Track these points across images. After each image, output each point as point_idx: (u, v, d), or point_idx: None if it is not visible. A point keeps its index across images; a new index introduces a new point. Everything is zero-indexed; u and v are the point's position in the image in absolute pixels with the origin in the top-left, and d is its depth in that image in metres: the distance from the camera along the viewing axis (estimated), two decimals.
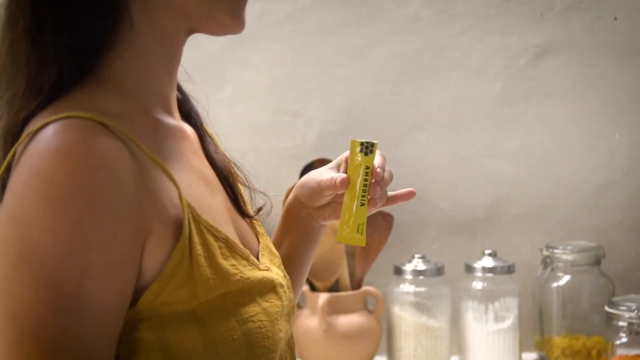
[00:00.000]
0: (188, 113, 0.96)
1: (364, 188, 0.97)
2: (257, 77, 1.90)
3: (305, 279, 1.11)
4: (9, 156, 0.75)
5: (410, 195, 1.04)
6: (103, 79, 0.80)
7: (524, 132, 1.94)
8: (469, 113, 1.93)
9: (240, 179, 0.98)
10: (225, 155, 0.98)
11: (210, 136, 0.98)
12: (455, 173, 1.94)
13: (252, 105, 1.91)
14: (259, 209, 0.99)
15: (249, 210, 0.97)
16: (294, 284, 1.03)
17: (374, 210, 1.00)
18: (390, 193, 1.03)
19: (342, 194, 0.98)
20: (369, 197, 0.97)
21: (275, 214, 1.05)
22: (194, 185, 0.83)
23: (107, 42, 0.80)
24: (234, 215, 0.92)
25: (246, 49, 1.86)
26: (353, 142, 0.98)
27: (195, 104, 1.00)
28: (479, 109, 1.93)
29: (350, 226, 0.97)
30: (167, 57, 0.86)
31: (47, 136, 0.72)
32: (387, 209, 1.79)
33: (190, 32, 0.86)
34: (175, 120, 0.88)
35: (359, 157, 0.97)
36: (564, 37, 1.91)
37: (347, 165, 0.99)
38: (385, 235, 1.83)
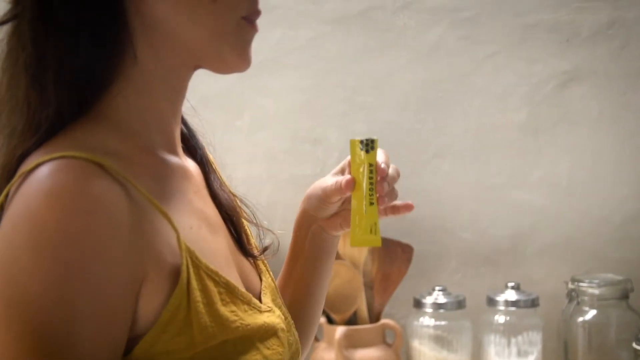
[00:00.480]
0: (193, 148, 0.95)
1: (371, 186, 0.94)
2: (276, 103, 1.89)
3: (321, 305, 1.08)
4: (2, 196, 0.74)
5: (408, 208, 1.01)
6: (103, 115, 0.79)
7: (549, 161, 1.90)
8: (492, 141, 1.90)
9: (245, 216, 0.96)
10: (230, 191, 0.96)
11: (216, 172, 0.96)
12: (478, 202, 1.91)
13: (271, 132, 1.89)
14: (265, 249, 0.96)
15: (254, 248, 0.95)
16: (311, 311, 1.01)
17: (385, 211, 0.98)
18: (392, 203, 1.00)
19: (350, 200, 0.96)
20: (377, 195, 0.94)
21: (284, 252, 1.03)
22: (194, 228, 0.81)
23: (109, 79, 0.79)
24: (236, 255, 0.90)
25: (266, 76, 1.85)
26: (352, 142, 0.96)
27: (200, 139, 0.98)
28: (503, 137, 1.90)
29: (363, 228, 0.95)
30: (171, 93, 0.84)
31: (39, 177, 0.70)
32: (406, 238, 1.78)
33: (196, 67, 0.85)
34: (178, 158, 0.86)
35: (361, 156, 0.95)
36: (591, 64, 1.88)
37: (350, 168, 0.97)
38: (404, 266, 1.79)
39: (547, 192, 1.90)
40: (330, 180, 0.98)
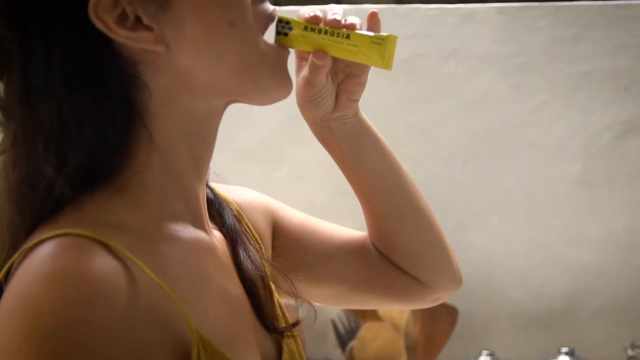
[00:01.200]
0: (218, 214, 0.88)
1: (328, 34, 0.83)
2: (316, 155, 1.82)
3: (404, 187, 0.97)
4: (2, 272, 0.70)
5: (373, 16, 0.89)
6: (119, 183, 0.75)
7: (607, 217, 1.83)
8: (545, 195, 1.84)
9: (279, 288, 0.89)
10: (264, 261, 0.89)
11: (248, 237, 0.90)
12: (530, 260, 1.84)
13: (311, 184, 1.84)
14: (294, 324, 0.88)
15: (281, 323, 0.88)
16: (400, 199, 0.94)
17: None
18: None
19: (337, 66, 0.87)
20: (345, 27, 0.83)
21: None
22: (211, 311, 0.76)
23: (123, 144, 0.75)
24: (260, 334, 0.83)
25: (305, 126, 1.79)
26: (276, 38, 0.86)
27: (233, 201, 0.91)
28: (557, 191, 1.83)
29: (374, 53, 0.83)
30: (195, 151, 0.79)
31: (39, 258, 0.66)
32: (452, 298, 1.70)
33: (227, 105, 0.80)
34: (200, 230, 0.81)
35: (289, 37, 0.84)
36: None
37: (301, 57, 0.87)
38: (449, 329, 1.72)
39: (604, 250, 1.82)
40: (298, 77, 0.88)
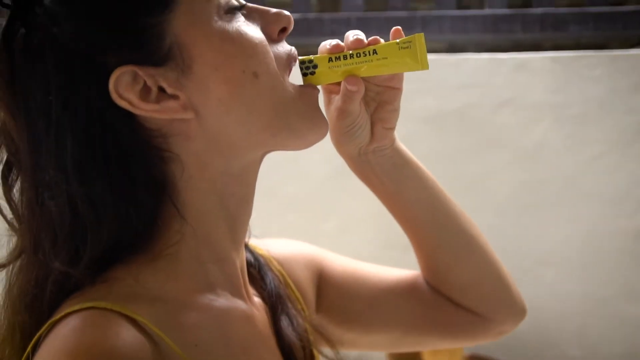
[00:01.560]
0: (259, 276, 0.85)
1: (354, 57, 0.80)
2: (364, 206, 1.80)
3: (452, 217, 0.93)
4: (30, 347, 0.68)
5: (397, 32, 0.84)
6: (149, 253, 0.73)
7: None
8: (602, 249, 1.77)
9: (324, 353, 0.86)
10: (307, 324, 0.86)
11: (290, 298, 0.87)
12: (587, 316, 1.77)
13: (359, 237, 1.80)
14: None
15: None
16: (449, 230, 0.89)
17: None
18: None
19: (367, 95, 0.83)
20: (365, 44, 0.81)
21: None
22: None
23: (151, 227, 0.73)
24: None
25: (353, 176, 1.77)
26: (299, 61, 0.82)
27: (266, 265, 0.88)
28: (615, 244, 1.77)
29: (407, 58, 0.80)
30: (231, 215, 0.77)
31: (65, 332, 0.65)
32: (505, 355, 1.64)
33: (264, 156, 0.77)
34: (235, 297, 0.78)
35: (331, 72, 0.81)
36: None
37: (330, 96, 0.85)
38: None
39: None
40: (332, 115, 0.85)
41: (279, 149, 0.77)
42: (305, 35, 2.06)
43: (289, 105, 0.75)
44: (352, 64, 0.81)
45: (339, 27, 2.04)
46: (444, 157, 1.79)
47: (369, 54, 0.80)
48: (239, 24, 0.75)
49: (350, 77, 0.80)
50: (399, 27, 0.82)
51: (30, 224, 0.71)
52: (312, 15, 2.07)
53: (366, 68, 0.80)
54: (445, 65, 1.81)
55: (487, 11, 2.03)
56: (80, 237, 0.70)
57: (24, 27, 0.71)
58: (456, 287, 0.93)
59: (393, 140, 0.89)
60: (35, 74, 0.70)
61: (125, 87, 0.70)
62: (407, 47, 0.80)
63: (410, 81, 1.80)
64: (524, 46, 2.26)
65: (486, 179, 1.79)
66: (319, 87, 0.82)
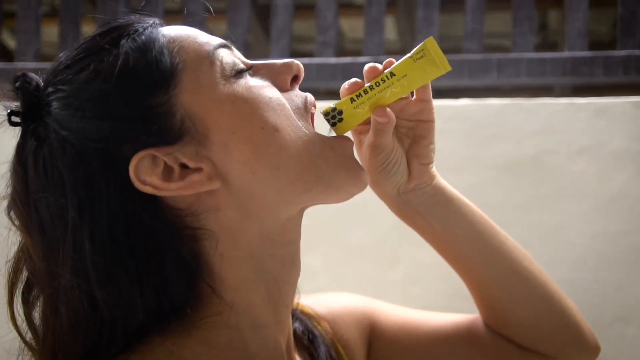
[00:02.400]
0: (311, 343, 0.83)
1: (374, 88, 0.79)
2: (433, 256, 1.75)
3: (504, 255, 0.90)
4: None
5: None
6: (186, 322, 0.71)
7: None
8: None
9: None
10: None
11: None
12: None
13: (427, 287, 1.76)
14: None
15: None
16: (498, 271, 0.87)
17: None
18: None
19: (400, 131, 0.81)
20: (380, 70, 0.79)
21: None
22: None
23: (186, 302, 0.72)
24: None
25: None
26: (323, 113, 0.81)
27: (316, 332, 0.86)
28: None
29: (427, 68, 0.79)
30: (273, 278, 0.75)
31: None
32: None
33: (302, 212, 0.75)
34: None
35: (350, 111, 0.79)
36: None
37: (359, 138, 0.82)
38: None
39: None
40: (365, 154, 0.83)
41: (317, 203, 0.75)
42: None
43: (317, 154, 0.72)
44: (375, 94, 0.79)
45: None
46: (518, 206, 1.74)
47: (388, 78, 0.78)
48: (247, 82, 0.73)
49: (377, 108, 0.79)
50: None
51: (45, 336, 0.70)
52: (383, 58, 2.06)
53: (390, 94, 0.78)
54: (521, 110, 1.76)
55: (566, 54, 1.99)
56: (107, 331, 0.68)
57: (35, 140, 0.71)
58: (517, 327, 0.89)
59: (433, 177, 0.86)
60: (48, 183, 0.69)
61: (146, 172, 0.69)
62: (423, 57, 0.78)
63: (483, 126, 1.78)
64: (605, 91, 2.20)
65: (563, 230, 1.72)
66: (350, 134, 0.81)
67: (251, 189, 0.71)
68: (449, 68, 0.79)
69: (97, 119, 0.70)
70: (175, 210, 0.71)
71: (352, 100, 0.79)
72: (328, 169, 0.73)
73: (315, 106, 0.78)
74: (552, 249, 1.72)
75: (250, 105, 0.71)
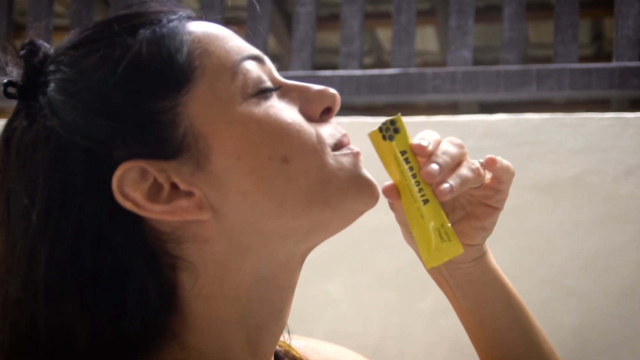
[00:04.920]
0: None
1: (415, 180, 0.71)
2: None
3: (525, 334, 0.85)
4: None
5: (493, 163, 0.77)
6: (153, 357, 0.66)
7: None
8: None
9: None
10: None
11: None
12: None
13: (457, 318, 1.70)
14: None
15: None
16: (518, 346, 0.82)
17: (452, 195, 0.72)
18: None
19: (457, 201, 0.77)
20: (430, 185, 0.71)
21: None
22: None
23: (152, 337, 0.67)
24: None
25: None
26: (372, 136, 0.74)
27: None
28: None
29: (428, 239, 0.72)
30: (256, 322, 0.71)
31: None
32: None
33: (308, 251, 0.71)
34: None
35: (388, 147, 0.73)
36: None
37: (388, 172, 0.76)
38: None
39: None
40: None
41: (323, 239, 0.70)
42: (405, 92, 2.02)
43: (330, 181, 0.67)
44: (408, 181, 0.73)
45: (443, 84, 1.97)
46: (560, 231, 1.68)
47: (424, 200, 0.73)
48: (268, 104, 0.68)
49: (391, 185, 0.74)
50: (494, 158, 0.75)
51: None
52: (413, 70, 2.02)
53: (406, 203, 0.73)
54: (562, 126, 1.70)
55: (614, 64, 1.93)
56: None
57: (26, 120, 0.66)
58: None
59: (475, 256, 0.81)
60: (23, 174, 0.64)
61: (131, 185, 0.64)
62: (445, 239, 0.73)
63: (520, 144, 1.72)
64: None
65: (608, 258, 1.66)
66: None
67: (246, 225, 0.66)
68: (462, 250, 0.74)
69: (91, 112, 0.65)
70: (157, 232, 0.66)
71: (403, 151, 0.74)
72: (338, 192, 0.68)
73: (346, 145, 0.73)
74: (596, 279, 1.66)
75: (263, 131, 0.66)
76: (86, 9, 2.23)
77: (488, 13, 3.54)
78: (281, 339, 0.76)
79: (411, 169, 0.73)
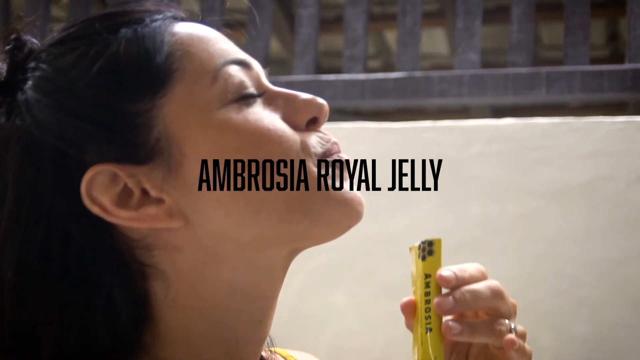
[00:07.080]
0: None
1: (427, 306, 0.71)
2: None
3: None
4: None
5: (510, 344, 0.73)
6: None
7: None
8: None
9: None
10: None
11: None
12: None
13: None
14: None
15: None
16: None
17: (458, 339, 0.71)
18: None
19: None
20: (439, 318, 0.70)
21: None
22: None
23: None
24: None
25: (462, 260, 1.68)
26: (412, 250, 0.75)
27: None
28: None
29: None
30: (233, 334, 0.70)
31: None
32: None
33: (292, 257, 0.71)
34: None
35: (418, 266, 0.73)
36: None
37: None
38: None
39: None
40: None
41: (306, 247, 0.70)
42: (411, 96, 2.01)
43: (305, 196, 0.68)
44: (422, 304, 0.73)
45: (450, 88, 1.98)
46: (570, 239, 1.68)
47: (428, 329, 0.72)
48: (249, 111, 0.68)
49: (411, 302, 0.75)
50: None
51: None
52: (419, 73, 2.02)
53: (416, 321, 0.74)
54: (573, 131, 1.70)
55: (626, 66, 1.93)
56: None
57: (4, 116, 0.67)
58: None
59: None
60: None
61: (100, 189, 0.64)
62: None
63: (529, 149, 1.72)
64: None
65: (621, 266, 1.66)
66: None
67: (222, 232, 0.66)
68: None
69: (63, 112, 0.65)
70: (127, 239, 0.66)
71: (427, 275, 0.75)
72: (318, 202, 0.68)
73: (335, 154, 0.72)
74: (609, 288, 1.66)
75: (240, 138, 0.66)
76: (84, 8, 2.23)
77: (497, 14, 3.54)
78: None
79: (427, 294, 0.73)
